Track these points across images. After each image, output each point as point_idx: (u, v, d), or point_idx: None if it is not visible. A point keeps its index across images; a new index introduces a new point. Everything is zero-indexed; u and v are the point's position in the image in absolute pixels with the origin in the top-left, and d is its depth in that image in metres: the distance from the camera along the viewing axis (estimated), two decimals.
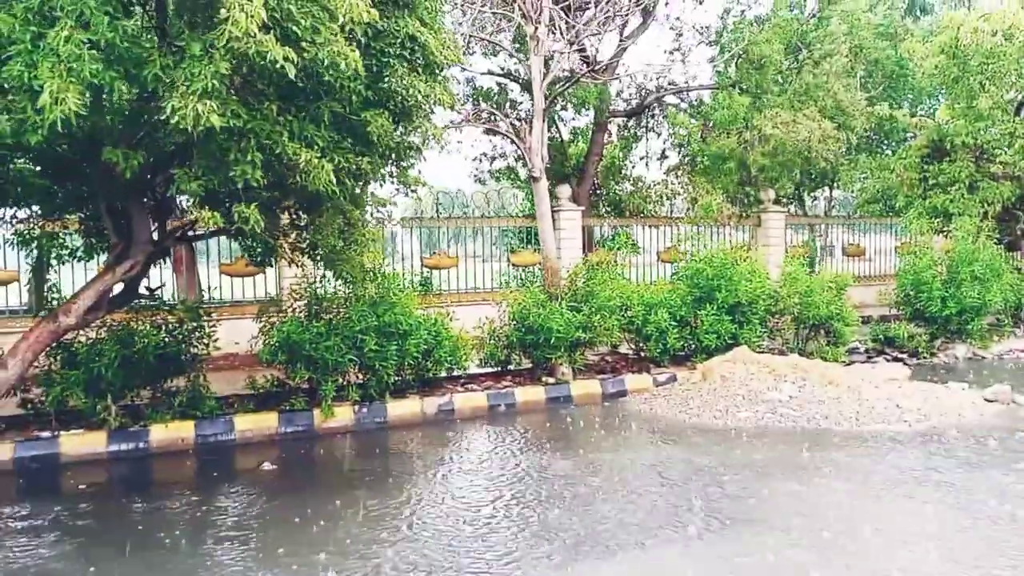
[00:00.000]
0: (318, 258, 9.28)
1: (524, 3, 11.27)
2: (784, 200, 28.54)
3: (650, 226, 19.86)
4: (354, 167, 7.09)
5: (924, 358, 14.06)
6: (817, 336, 13.21)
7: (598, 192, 24.68)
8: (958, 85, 14.64)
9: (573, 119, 21.64)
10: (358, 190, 8.56)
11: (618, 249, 17.68)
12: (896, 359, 13.99)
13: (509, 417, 10.08)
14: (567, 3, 12.79)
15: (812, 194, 32.58)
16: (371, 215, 9.41)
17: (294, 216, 8.94)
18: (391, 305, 9.82)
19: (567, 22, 11.69)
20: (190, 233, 9.11)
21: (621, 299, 12.01)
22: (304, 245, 9.30)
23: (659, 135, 21.26)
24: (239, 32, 5.12)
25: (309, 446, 8.87)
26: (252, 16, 5.13)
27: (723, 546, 5.58)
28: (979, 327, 14.30)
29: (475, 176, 23.73)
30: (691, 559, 5.39)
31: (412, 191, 25.37)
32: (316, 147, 6.65)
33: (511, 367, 11.63)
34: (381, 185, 12.40)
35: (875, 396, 9.94)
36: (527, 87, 19.90)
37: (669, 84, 21.18)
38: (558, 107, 20.80)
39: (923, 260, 14.38)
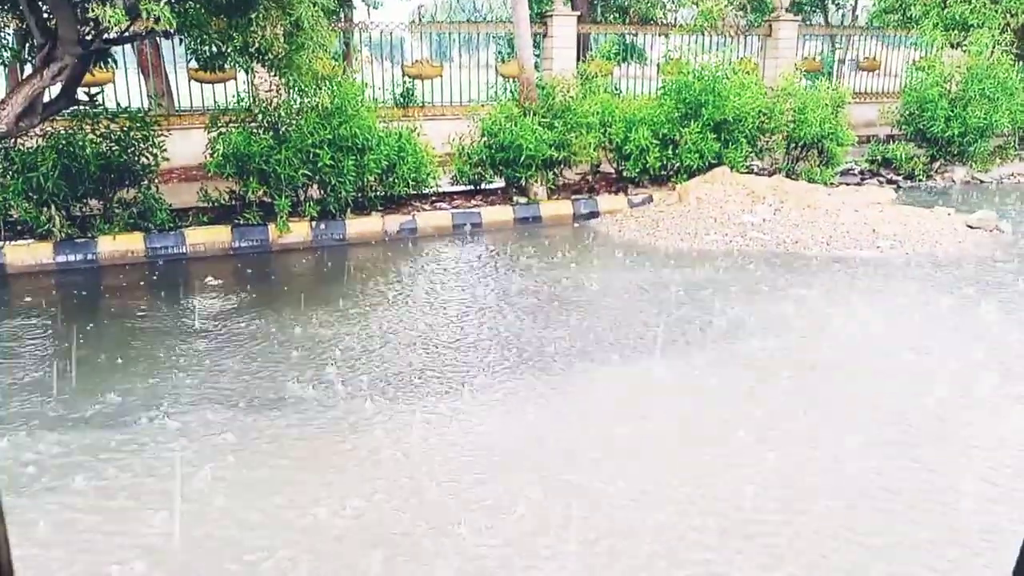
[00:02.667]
0: (268, 64, 8.66)
1: None
2: (807, 7, 26.71)
3: (653, 34, 18.67)
4: None
5: (920, 181, 13.51)
6: (809, 156, 12.61)
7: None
8: None
9: None
10: None
11: (611, 58, 16.74)
12: (890, 181, 13.45)
13: (474, 236, 9.81)
14: None
15: (837, 2, 30.45)
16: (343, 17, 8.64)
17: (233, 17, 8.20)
18: (348, 117, 9.28)
19: None
20: (126, 35, 8.44)
21: (601, 115, 11.37)
22: (252, 49, 8.63)
23: None
24: None
25: (262, 261, 8.70)
26: None
27: (681, 359, 5.45)
28: (981, 149, 13.60)
29: None
30: (664, 368, 5.27)
31: None
32: None
33: (483, 186, 11.24)
34: None
35: (852, 220, 9.55)
36: None
37: None
38: None
39: (931, 76, 13.45)
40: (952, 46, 14.16)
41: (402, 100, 16.18)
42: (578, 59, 18.00)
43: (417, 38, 17.80)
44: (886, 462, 4.16)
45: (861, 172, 13.99)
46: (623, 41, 19.68)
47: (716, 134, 11.52)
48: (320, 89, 9.06)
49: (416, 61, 16.58)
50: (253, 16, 7.64)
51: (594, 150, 11.18)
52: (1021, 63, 14.91)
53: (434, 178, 10.32)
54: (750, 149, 11.83)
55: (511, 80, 17.34)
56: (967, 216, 9.92)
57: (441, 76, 16.59)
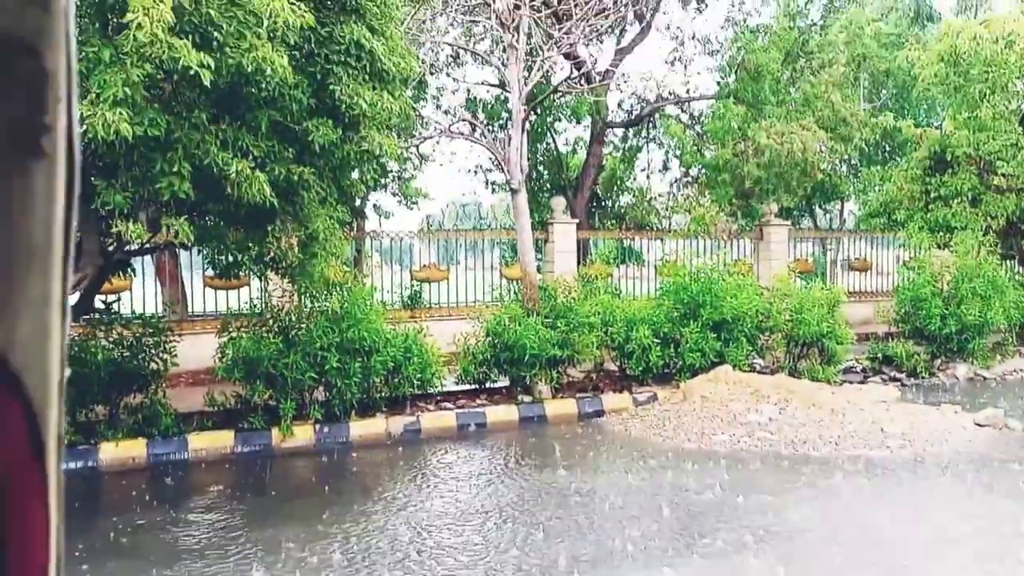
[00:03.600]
0: (281, 272, 9.03)
1: (500, 11, 10.98)
2: (796, 213, 28.05)
3: (647, 239, 19.53)
4: (296, 177, 6.79)
5: (923, 378, 13.54)
6: (809, 355, 12.74)
7: (602, 205, 24.37)
8: (959, 94, 14.17)
9: (565, 130, 21.29)
10: (316, 200, 8.26)
11: (611, 261, 17.37)
12: (893, 379, 13.49)
13: (478, 437, 9.73)
14: (552, 11, 12.48)
15: (825, 207, 32.04)
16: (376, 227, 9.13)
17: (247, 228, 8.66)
18: (357, 321, 9.52)
19: (545, 31, 11.37)
20: (147, 247, 8.88)
21: (602, 315, 11.66)
22: (267, 258, 9.04)
23: (661, 146, 20.85)
24: (144, 37, 4.85)
25: (263, 467, 8.58)
26: (159, 20, 4.86)
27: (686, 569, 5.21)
28: (981, 346, 13.76)
29: (491, 186, 23.46)
30: None
31: (413, 203, 25.21)
32: (251, 157, 6.37)
33: (488, 385, 11.30)
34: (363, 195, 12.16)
35: (859, 419, 9.50)
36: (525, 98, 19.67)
37: (669, 94, 20.85)
38: (550, 118, 20.56)
39: (921, 276, 13.89)
40: (939, 247, 14.73)
41: (410, 303, 16.66)
42: (578, 262, 18.75)
43: (425, 244, 18.61)
44: None
45: (864, 370, 14.06)
46: (621, 245, 20.60)
47: (716, 333, 11.73)
48: (331, 294, 9.38)
49: (424, 266, 17.23)
50: (270, 228, 8.08)
51: (596, 349, 11.34)
52: (1008, 262, 15.46)
53: (439, 378, 10.40)
54: (750, 348, 11.99)
55: (515, 282, 17.94)
56: (975, 414, 9.86)
57: (448, 279, 17.17)
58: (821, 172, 15.35)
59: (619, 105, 22.18)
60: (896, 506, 6.83)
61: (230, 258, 9.27)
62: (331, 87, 6.86)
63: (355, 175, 8.19)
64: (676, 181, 22.51)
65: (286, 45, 5.96)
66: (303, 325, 9.42)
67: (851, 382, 13.16)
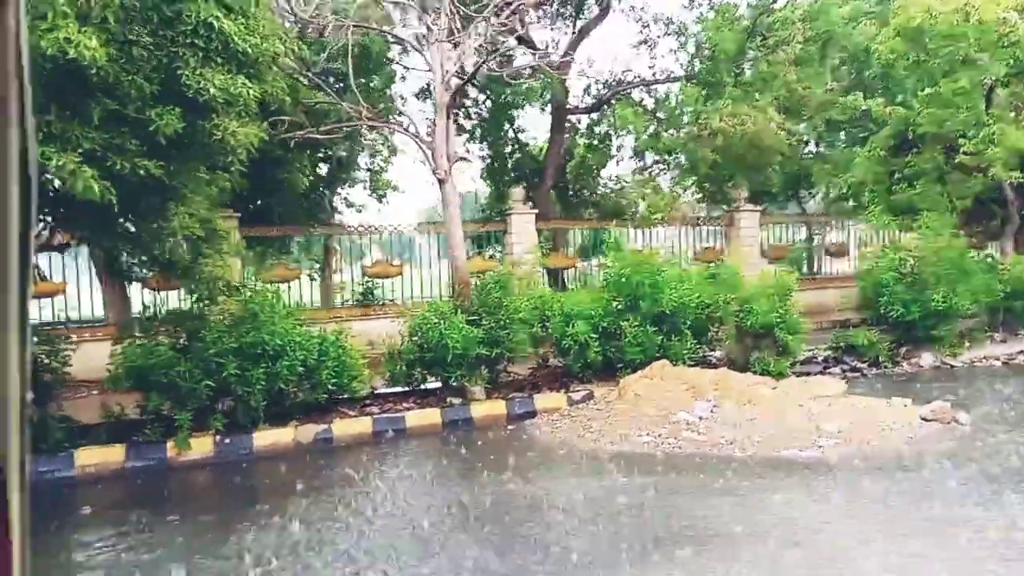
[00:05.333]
0: (173, 273, 8.49)
1: None
2: (781, 198, 27.38)
3: (612, 228, 18.91)
4: (142, 172, 6.21)
5: (885, 367, 12.93)
6: (763, 346, 12.12)
7: (579, 194, 23.73)
8: (920, 69, 13.49)
9: (522, 117, 20.63)
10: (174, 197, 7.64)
11: (591, 252, 16.81)
12: (854, 369, 12.88)
13: (393, 445, 9.16)
14: None
15: (811, 191, 31.35)
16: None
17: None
18: (258, 324, 8.96)
19: (466, 13, 10.72)
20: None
21: (537, 310, 11.09)
22: (162, 257, 8.47)
23: (620, 133, 20.20)
24: None
25: (150, 483, 8.04)
26: None
27: None
28: (947, 333, 13.12)
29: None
30: None
31: (382, 196, 24.60)
32: (81, 150, 5.80)
33: (421, 387, 10.75)
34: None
35: (797, 416, 8.90)
36: (482, 85, 19.07)
37: (635, 78, 20.19)
38: (512, 106, 19.92)
39: (883, 259, 13.26)
40: (904, 229, 14.10)
41: (362, 299, 16.14)
42: (543, 253, 18.16)
43: (394, 239, 18.05)
44: None
45: (825, 360, 13.47)
46: (595, 235, 19.98)
47: (657, 326, 11.14)
48: (229, 297, 8.83)
49: (376, 261, 16.67)
50: (156, 227, 7.50)
51: (531, 346, 10.78)
52: (981, 242, 14.81)
53: (360, 381, 9.85)
54: (695, 341, 11.39)
55: (477, 275, 17.39)
56: (922, 408, 9.25)
57: (402, 275, 16.61)
58: (781, 155, 14.66)
59: (585, 91, 21.55)
60: (808, 510, 6.24)
61: (123, 257, 8.74)
62: (179, 71, 6.28)
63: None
64: (647, 168, 21.89)
65: (102, 28, 5.37)
66: (198, 331, 8.85)
67: (810, 373, 12.58)
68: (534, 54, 18.15)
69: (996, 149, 12.74)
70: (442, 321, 10.09)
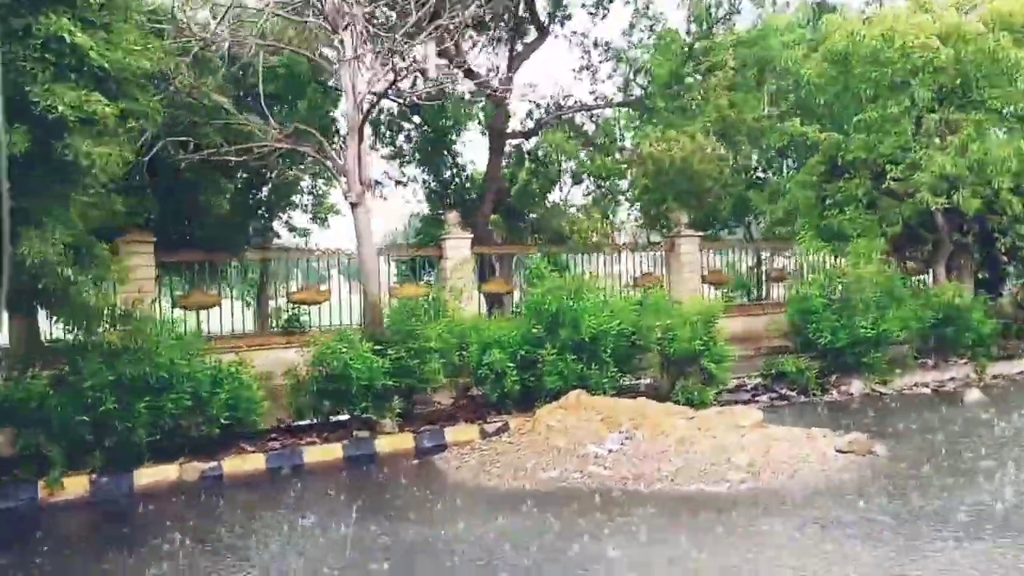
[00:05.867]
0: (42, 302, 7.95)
1: (327, 10, 10.02)
2: (731, 223, 27.31)
3: (547, 253, 18.58)
4: None
5: (814, 395, 12.70)
6: (688, 375, 11.83)
7: (525, 219, 23.41)
8: (847, 94, 13.43)
9: (468, 141, 20.35)
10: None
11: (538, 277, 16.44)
12: (782, 397, 12.65)
13: (287, 482, 8.64)
14: (399, 10, 11.46)
15: (759, 217, 31.43)
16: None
17: None
18: (142, 355, 8.43)
19: (377, 32, 10.40)
20: None
21: (453, 337, 10.69)
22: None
23: (555, 160, 19.96)
24: None
25: (17, 525, 7.44)
26: None
27: None
28: (876, 360, 12.93)
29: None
30: None
31: (322, 220, 24.04)
32: None
33: (332, 419, 10.26)
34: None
35: (708, 449, 8.56)
36: (414, 108, 18.74)
37: (575, 103, 20.03)
38: (451, 131, 19.61)
39: (811, 286, 13.10)
40: (835, 256, 13.98)
41: (287, 326, 15.58)
42: (482, 279, 17.79)
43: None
44: None
45: (755, 388, 13.23)
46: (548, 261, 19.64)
47: (578, 354, 10.80)
48: (110, 326, 8.30)
49: (303, 287, 16.14)
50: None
51: (446, 376, 10.36)
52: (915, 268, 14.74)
53: (259, 414, 9.34)
54: (616, 370, 11.05)
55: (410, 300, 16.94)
56: (838, 439, 8.98)
57: (329, 300, 16.10)
58: (712, 180, 14.48)
59: (528, 115, 21.34)
60: (700, 553, 5.87)
61: None
62: (27, 88, 5.83)
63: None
64: (590, 193, 21.68)
65: None
66: (75, 363, 8.29)
67: (737, 401, 12.32)
68: (469, 77, 17.93)
69: (923, 174, 12.69)
70: (347, 350, 9.63)
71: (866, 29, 12.20)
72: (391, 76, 10.96)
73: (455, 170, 20.37)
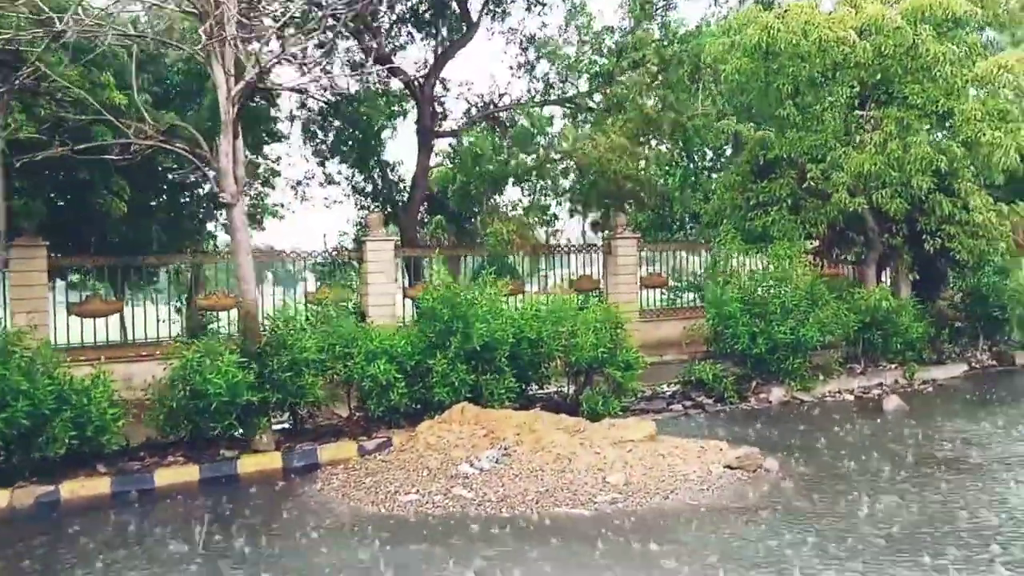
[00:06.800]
0: None
1: None
2: (690, 225, 26.86)
3: (472, 255, 17.94)
4: None
5: (731, 403, 12.16)
6: (595, 383, 11.23)
7: (471, 222, 22.76)
8: (770, 90, 12.91)
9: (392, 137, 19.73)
10: None
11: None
12: (696, 405, 12.10)
13: (130, 508, 7.86)
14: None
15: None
16: None
17: None
18: None
19: (247, 22, 9.70)
20: None
21: (335, 348, 10.01)
22: None
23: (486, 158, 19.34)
24: None
25: None
26: None
27: None
28: (797, 366, 12.41)
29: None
30: None
31: (257, 222, 23.28)
32: None
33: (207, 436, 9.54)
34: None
35: (587, 466, 7.96)
36: (334, 106, 18.09)
37: (511, 101, 19.46)
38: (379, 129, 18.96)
39: (729, 290, 12.56)
40: (754, 256, 13.46)
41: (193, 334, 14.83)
42: (410, 283, 17.13)
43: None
44: None
45: (672, 396, 12.68)
46: (484, 262, 18.98)
47: (471, 363, 10.17)
48: None
49: (210, 292, 15.39)
50: None
51: (320, 389, 9.68)
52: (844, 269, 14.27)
53: (112, 432, 8.59)
54: (515, 380, 10.42)
55: (322, 305, 16.22)
56: (728, 453, 8.41)
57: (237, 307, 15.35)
58: (631, 181, 13.91)
59: (466, 113, 20.72)
60: None
61: None
62: None
63: None
64: (530, 194, 21.09)
65: None
66: None
67: (650, 411, 11.79)
68: (392, 74, 17.30)
69: (841, 174, 12.18)
70: (208, 363, 8.92)
71: (780, 22, 11.67)
72: (263, 67, 10.25)
73: (383, 170, 19.72)
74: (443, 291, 10.40)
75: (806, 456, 8.84)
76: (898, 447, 9.17)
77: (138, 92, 10.28)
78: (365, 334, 10.42)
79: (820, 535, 6.22)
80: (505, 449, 8.44)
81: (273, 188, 21.13)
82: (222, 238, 22.54)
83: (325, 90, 17.85)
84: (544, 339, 10.73)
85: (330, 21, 12.41)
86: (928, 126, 12.19)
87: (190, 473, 8.64)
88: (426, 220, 21.73)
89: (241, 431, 9.17)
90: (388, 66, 16.28)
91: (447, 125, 20.23)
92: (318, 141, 19.64)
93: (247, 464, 8.92)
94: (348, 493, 7.92)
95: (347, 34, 15.87)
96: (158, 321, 16.00)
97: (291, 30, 10.14)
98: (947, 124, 12.46)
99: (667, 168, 20.36)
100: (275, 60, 10.26)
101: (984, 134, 11.51)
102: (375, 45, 15.55)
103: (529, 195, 20.03)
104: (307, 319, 10.48)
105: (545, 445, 8.40)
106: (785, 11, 12.14)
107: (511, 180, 18.28)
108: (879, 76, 12.36)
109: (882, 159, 11.85)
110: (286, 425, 10.40)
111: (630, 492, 7.39)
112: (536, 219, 17.35)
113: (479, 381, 10.19)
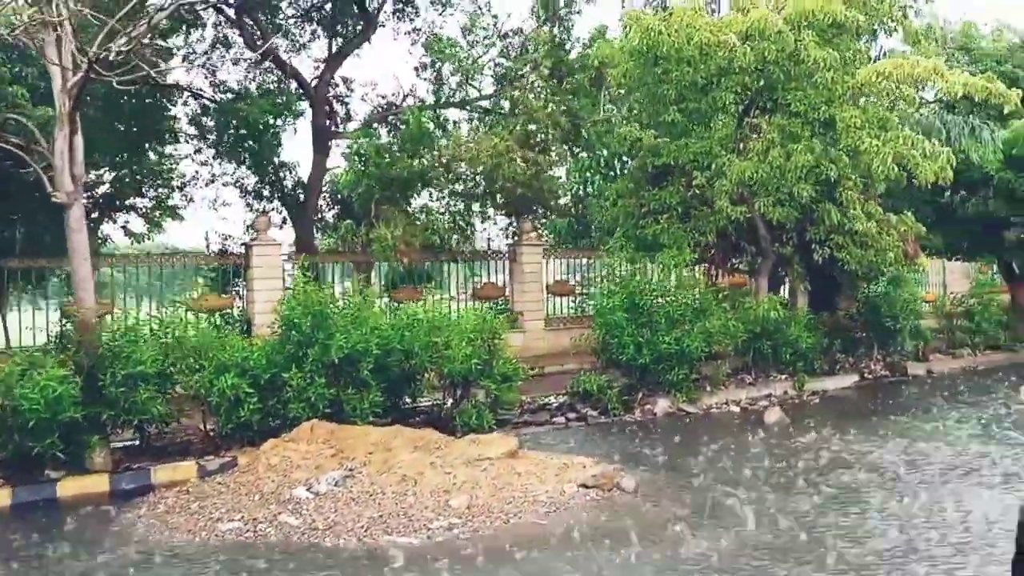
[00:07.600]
0: None
1: None
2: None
3: (376, 262, 17.35)
4: None
5: (615, 415, 11.81)
6: (474, 395, 10.75)
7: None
8: (657, 96, 12.66)
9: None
10: None
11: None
12: (579, 417, 11.73)
13: None
14: None
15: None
16: None
17: None
18: None
19: (83, 9, 8.96)
20: None
21: (185, 359, 9.31)
22: None
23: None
24: None
25: None
26: None
27: None
28: (682, 377, 12.14)
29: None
30: None
31: (157, 224, 22.19)
32: None
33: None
34: None
35: (433, 487, 7.44)
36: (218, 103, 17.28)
37: (415, 102, 18.89)
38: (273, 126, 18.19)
39: (615, 299, 12.24)
40: (642, 265, 13.18)
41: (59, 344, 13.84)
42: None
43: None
44: None
45: (559, 407, 12.28)
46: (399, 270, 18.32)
47: (331, 377, 9.57)
48: None
49: (203, 295, 14.44)
50: None
51: (154, 406, 8.94)
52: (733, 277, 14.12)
53: None
54: (382, 395, 9.86)
55: (215, 313, 15.41)
56: (583, 473, 8.00)
57: (112, 313, 14.45)
58: (520, 185, 13.50)
59: (371, 114, 20.08)
60: None
61: None
62: None
63: None
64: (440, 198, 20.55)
65: None
66: None
67: (532, 423, 11.40)
68: (282, 71, 16.60)
69: (725, 182, 11.99)
70: (26, 376, 8.13)
71: (664, 25, 11.41)
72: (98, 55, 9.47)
73: (279, 171, 18.92)
74: (303, 299, 9.80)
75: (671, 473, 8.51)
76: (769, 463, 8.89)
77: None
78: (220, 345, 9.73)
79: (653, 565, 5.83)
80: (350, 470, 7.89)
81: (172, 189, 20.22)
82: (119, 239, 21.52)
83: (215, 88, 17.07)
84: (416, 350, 10.21)
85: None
86: (810, 134, 12.06)
87: (1, 497, 7.84)
88: (337, 225, 21.07)
89: (66, 450, 8.38)
90: (270, 62, 15.54)
91: (352, 127, 19.61)
92: (210, 140, 18.77)
93: (69, 487, 8.16)
94: (169, 520, 7.24)
95: (231, 27, 15.11)
96: (23, 329, 14.95)
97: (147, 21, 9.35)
98: (829, 133, 12.37)
99: (585, 175, 20.17)
100: (120, 51, 9.49)
101: (863, 142, 11.44)
102: (260, 41, 14.81)
103: (439, 200, 19.56)
104: (150, 330, 9.71)
105: (392, 465, 7.87)
106: (669, 14, 11.89)
107: (419, 184, 17.75)
108: (763, 82, 12.22)
109: (764, 167, 11.69)
110: (136, 443, 9.67)
111: (471, 516, 6.90)
112: (448, 225, 16.83)
113: (340, 396, 9.60)
